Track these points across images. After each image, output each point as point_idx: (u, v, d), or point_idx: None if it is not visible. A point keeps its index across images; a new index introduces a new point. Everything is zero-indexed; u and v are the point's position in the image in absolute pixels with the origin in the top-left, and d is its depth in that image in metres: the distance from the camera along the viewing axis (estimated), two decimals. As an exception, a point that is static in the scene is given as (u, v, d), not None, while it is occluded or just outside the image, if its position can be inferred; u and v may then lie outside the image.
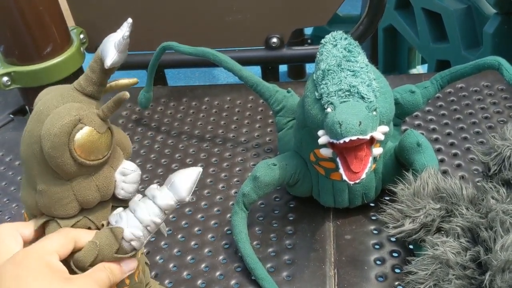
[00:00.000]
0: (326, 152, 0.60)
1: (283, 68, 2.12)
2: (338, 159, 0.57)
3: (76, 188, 0.45)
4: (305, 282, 0.63)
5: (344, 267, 0.64)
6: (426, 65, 1.60)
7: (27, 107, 1.02)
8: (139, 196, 0.48)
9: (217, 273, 0.65)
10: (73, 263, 0.45)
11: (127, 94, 0.43)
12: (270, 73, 1.07)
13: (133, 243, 0.46)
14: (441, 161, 0.76)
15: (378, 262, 0.64)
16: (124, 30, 0.44)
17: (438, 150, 0.78)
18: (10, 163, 0.91)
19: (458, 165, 0.75)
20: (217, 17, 0.99)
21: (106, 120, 0.45)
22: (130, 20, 0.44)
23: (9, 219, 0.80)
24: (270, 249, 0.67)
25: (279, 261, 0.66)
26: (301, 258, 0.65)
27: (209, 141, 0.88)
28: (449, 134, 0.82)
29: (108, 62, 0.43)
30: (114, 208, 0.48)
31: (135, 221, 0.46)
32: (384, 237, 0.66)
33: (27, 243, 0.46)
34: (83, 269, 0.45)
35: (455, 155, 0.77)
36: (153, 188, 0.47)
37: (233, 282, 0.64)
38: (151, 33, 1.02)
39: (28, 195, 0.47)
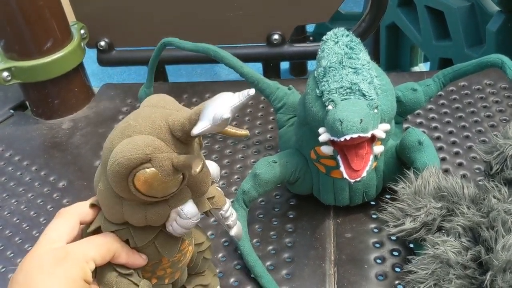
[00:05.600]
0: (326, 149, 0.60)
1: (285, 65, 2.11)
2: (338, 157, 0.57)
3: (126, 208, 0.45)
4: (304, 280, 0.62)
5: (344, 266, 0.63)
6: (428, 63, 1.60)
7: (27, 102, 1.02)
8: None
9: (217, 271, 0.65)
10: None
11: (197, 168, 0.40)
12: (271, 70, 1.06)
13: None
14: (443, 159, 0.76)
15: (378, 261, 0.63)
16: (237, 101, 0.40)
17: (440, 149, 0.78)
18: (9, 158, 0.91)
19: (460, 164, 0.75)
20: (218, 13, 0.99)
21: (179, 170, 0.43)
22: (252, 91, 0.41)
23: (8, 214, 0.79)
24: (270, 247, 0.67)
25: (278, 259, 0.65)
26: (301, 256, 0.65)
27: (210, 138, 0.88)
28: (451, 132, 0.81)
29: (195, 131, 0.41)
30: (162, 232, 0.47)
31: None
32: (384, 235, 0.66)
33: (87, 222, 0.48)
34: None
35: (456, 153, 0.77)
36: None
37: (232, 280, 0.64)
38: (152, 29, 1.01)
39: (96, 182, 0.47)
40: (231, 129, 0.46)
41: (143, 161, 0.41)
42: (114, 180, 0.43)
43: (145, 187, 0.42)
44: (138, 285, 0.47)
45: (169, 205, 0.45)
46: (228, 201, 0.53)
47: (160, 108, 0.45)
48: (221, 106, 0.40)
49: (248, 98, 0.41)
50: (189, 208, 0.46)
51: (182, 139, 0.43)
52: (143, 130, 0.43)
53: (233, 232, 0.54)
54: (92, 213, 0.48)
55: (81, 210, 0.48)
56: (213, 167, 0.50)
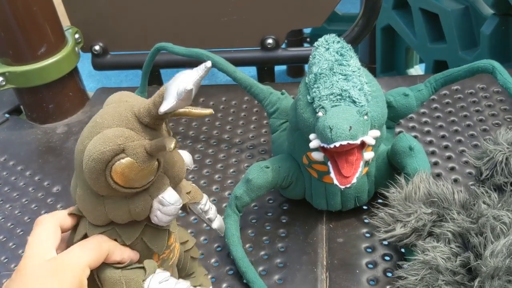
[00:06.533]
0: (317, 155, 0.60)
1: (281, 66, 2.11)
2: (329, 163, 0.57)
3: (108, 205, 0.45)
4: (296, 285, 0.63)
5: (336, 271, 0.64)
6: (424, 65, 1.60)
7: (22, 106, 1.02)
8: None
9: (209, 276, 0.65)
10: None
11: (171, 144, 0.41)
12: (266, 74, 1.06)
13: None
14: (435, 163, 0.76)
15: (370, 266, 0.64)
16: (196, 75, 0.40)
17: (432, 153, 0.78)
18: (4, 163, 0.91)
19: (452, 168, 0.75)
20: (212, 18, 0.99)
21: (153, 155, 0.44)
22: (209, 64, 0.41)
23: (2, 219, 0.80)
24: (263, 252, 0.67)
25: (271, 264, 0.66)
26: (293, 261, 0.65)
27: (204, 142, 0.88)
28: (443, 136, 0.81)
29: (162, 109, 0.41)
30: (148, 226, 0.48)
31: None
32: (376, 240, 0.66)
33: (66, 231, 0.49)
34: None
35: (449, 158, 0.77)
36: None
37: (224, 285, 0.64)
38: (146, 33, 1.02)
39: (73, 190, 0.47)
40: (195, 110, 0.46)
41: (116, 152, 0.42)
42: (91, 177, 0.43)
43: (123, 178, 0.43)
44: (143, 266, 0.47)
45: (150, 194, 0.46)
46: (205, 196, 0.54)
47: (123, 102, 0.46)
48: (183, 81, 0.41)
49: (206, 71, 0.41)
50: (170, 194, 0.46)
51: (151, 124, 0.44)
52: (111, 124, 0.44)
53: (215, 225, 0.55)
54: (71, 220, 0.48)
55: (58, 216, 0.48)
56: (186, 156, 0.51)
